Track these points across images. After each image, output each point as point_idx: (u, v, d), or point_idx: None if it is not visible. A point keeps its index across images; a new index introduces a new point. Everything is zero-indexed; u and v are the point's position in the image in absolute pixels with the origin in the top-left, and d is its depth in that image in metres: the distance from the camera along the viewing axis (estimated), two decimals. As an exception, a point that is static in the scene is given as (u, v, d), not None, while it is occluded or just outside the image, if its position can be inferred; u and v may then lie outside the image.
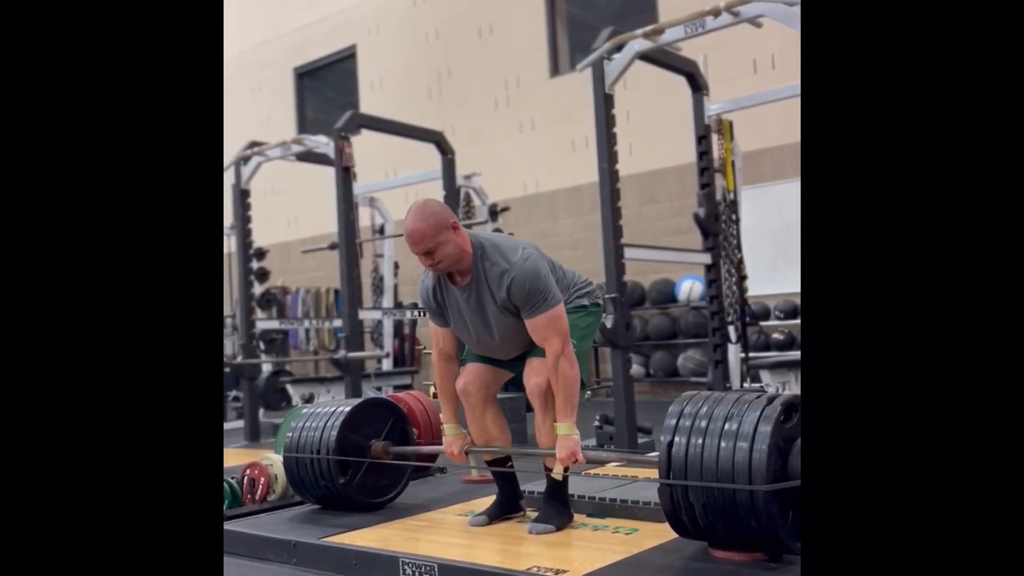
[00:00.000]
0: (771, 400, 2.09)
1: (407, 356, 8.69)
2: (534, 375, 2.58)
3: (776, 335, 7.11)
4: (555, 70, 8.82)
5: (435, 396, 5.23)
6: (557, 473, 2.59)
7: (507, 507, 2.80)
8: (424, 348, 8.58)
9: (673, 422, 2.16)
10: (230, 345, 8.56)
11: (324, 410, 3.14)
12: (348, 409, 3.06)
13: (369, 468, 3.03)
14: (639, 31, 4.10)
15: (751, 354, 5.22)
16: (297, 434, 3.08)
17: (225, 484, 3.22)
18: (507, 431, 2.83)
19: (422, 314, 7.14)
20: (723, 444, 2.05)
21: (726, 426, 2.07)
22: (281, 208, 10.22)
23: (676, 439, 2.13)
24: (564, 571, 2.19)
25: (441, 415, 2.88)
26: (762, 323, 6.85)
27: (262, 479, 3.35)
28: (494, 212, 7.32)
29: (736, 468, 2.01)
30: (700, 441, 2.09)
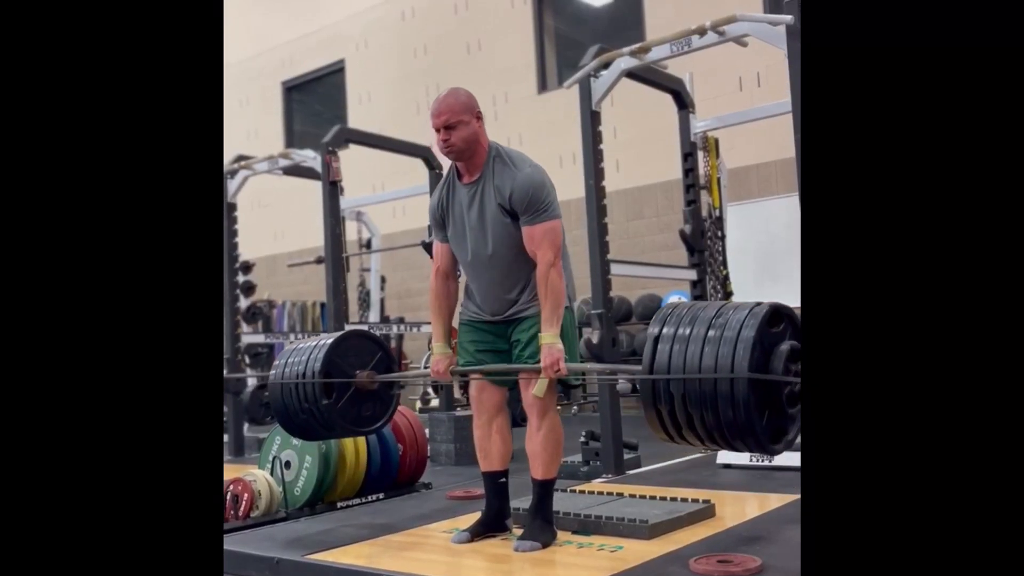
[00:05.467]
0: (758, 303, 2.12)
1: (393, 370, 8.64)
2: (530, 389, 2.64)
3: (762, 351, 7.13)
4: (543, 86, 8.85)
5: (420, 411, 5.21)
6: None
7: (491, 524, 2.78)
8: (411, 362, 8.55)
9: (659, 326, 2.18)
10: (215, 359, 8.47)
11: (309, 344, 3.14)
12: (334, 338, 3.07)
13: (353, 397, 3.04)
14: (626, 49, 4.12)
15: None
16: (282, 368, 3.08)
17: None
18: (510, 443, 2.82)
19: (408, 328, 7.12)
20: (709, 338, 2.08)
21: (713, 323, 2.11)
22: (268, 221, 10.19)
23: (663, 333, 2.16)
24: (549, 589, 2.18)
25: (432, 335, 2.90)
26: (748, 339, 6.87)
27: (245, 495, 3.32)
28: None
29: (719, 360, 2.04)
30: (687, 334, 2.12)
